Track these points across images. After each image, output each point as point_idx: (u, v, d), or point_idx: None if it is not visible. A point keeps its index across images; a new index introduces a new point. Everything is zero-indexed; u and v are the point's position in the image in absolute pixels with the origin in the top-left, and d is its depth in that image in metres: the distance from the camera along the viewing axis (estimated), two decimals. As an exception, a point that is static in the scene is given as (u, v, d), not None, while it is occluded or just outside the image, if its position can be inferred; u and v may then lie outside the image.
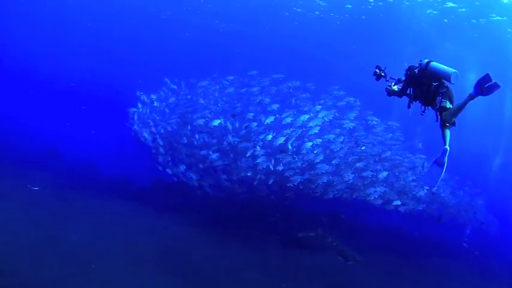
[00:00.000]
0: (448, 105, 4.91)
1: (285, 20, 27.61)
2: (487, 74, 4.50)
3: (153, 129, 13.27)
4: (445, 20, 22.22)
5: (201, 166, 12.43)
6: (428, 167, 5.31)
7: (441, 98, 4.95)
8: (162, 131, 13.13)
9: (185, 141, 12.51)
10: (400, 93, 5.53)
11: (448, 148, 4.89)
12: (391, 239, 14.63)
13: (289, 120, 11.23)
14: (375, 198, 12.05)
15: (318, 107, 11.97)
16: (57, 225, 9.47)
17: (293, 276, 9.54)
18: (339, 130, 11.91)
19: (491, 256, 15.22)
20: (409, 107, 5.48)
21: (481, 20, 21.18)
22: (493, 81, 4.46)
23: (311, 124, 11.29)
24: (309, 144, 11.20)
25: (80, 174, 15.52)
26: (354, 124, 12.14)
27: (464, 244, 16.01)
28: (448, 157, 4.91)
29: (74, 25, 36.88)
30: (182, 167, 12.45)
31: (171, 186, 14.40)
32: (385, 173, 12.10)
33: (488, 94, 4.54)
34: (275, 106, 11.72)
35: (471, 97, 4.64)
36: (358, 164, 11.74)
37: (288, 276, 9.47)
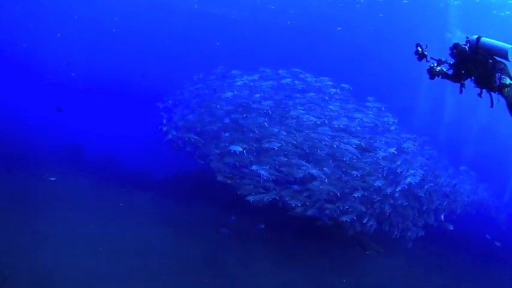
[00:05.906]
0: (509, 81, 4.50)
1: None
2: None
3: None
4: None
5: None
6: None
7: (500, 75, 4.51)
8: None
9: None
10: (454, 77, 4.97)
11: None
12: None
13: None
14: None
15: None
16: (71, 211, 9.88)
17: (308, 265, 9.52)
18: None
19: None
20: (461, 91, 5.01)
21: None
22: None
23: None
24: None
25: (100, 166, 15.93)
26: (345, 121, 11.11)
27: (487, 236, 15.60)
28: None
29: (104, 23, 37.57)
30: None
31: (192, 179, 14.57)
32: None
33: None
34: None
35: None
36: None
37: (304, 265, 9.45)
